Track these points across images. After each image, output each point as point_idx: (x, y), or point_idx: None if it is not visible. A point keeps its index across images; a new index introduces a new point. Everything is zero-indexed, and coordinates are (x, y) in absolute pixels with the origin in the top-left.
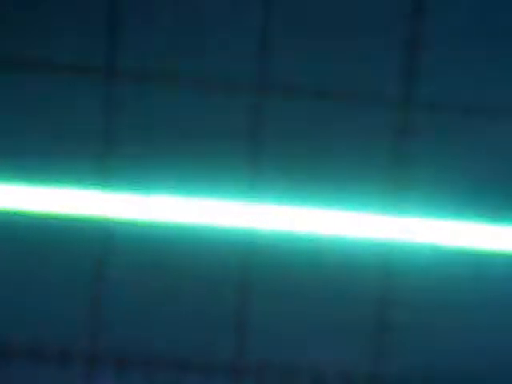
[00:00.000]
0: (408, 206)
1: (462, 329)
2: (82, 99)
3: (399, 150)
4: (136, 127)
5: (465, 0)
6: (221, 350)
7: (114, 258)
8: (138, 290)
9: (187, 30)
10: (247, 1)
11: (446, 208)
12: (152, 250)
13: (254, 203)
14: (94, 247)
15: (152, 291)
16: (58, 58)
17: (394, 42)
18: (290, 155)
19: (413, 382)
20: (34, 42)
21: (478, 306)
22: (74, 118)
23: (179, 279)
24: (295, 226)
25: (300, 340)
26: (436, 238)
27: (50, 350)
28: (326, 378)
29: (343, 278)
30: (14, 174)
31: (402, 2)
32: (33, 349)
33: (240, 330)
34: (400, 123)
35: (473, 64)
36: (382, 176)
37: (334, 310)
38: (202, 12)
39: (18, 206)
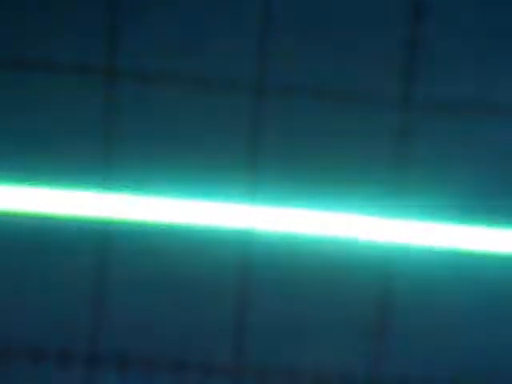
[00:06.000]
0: (407, 208)
1: (461, 330)
2: (82, 99)
3: (399, 150)
4: (136, 127)
5: (465, 0)
6: (220, 350)
7: (114, 258)
8: (137, 291)
9: (187, 30)
10: (247, 1)
11: (446, 209)
12: (152, 251)
13: (254, 204)
14: (94, 248)
15: (152, 292)
16: (58, 58)
17: (394, 42)
18: (289, 155)
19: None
20: (34, 42)
21: (478, 308)
22: (74, 118)
23: (179, 280)
24: (295, 228)
25: (300, 341)
26: (436, 240)
27: (50, 351)
28: (326, 378)
29: (343, 280)
30: (13, 174)
31: (402, 2)
32: (33, 349)
33: (239, 330)
34: (400, 123)
35: (473, 64)
36: (382, 176)
37: (333, 311)
38: (201, 12)
39: (18, 206)
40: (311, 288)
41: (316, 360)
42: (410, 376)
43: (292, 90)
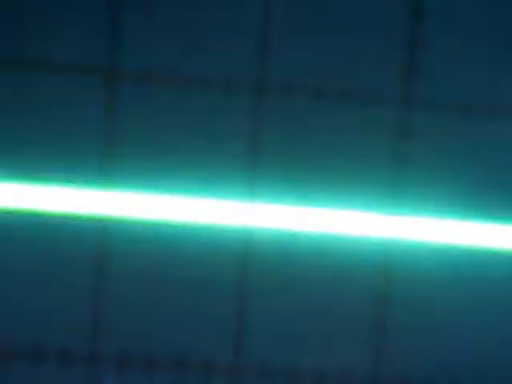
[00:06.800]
0: (407, 206)
1: (461, 329)
2: (82, 99)
3: (399, 150)
4: (136, 127)
5: (465, 0)
6: (221, 350)
7: (114, 257)
8: (137, 291)
9: (187, 30)
10: (247, 1)
11: (445, 207)
12: (151, 249)
13: (254, 203)
14: (94, 247)
15: (152, 291)
16: (58, 58)
17: (394, 42)
18: (289, 155)
19: (413, 383)
20: (34, 42)
21: (478, 306)
22: (74, 118)
23: (179, 279)
24: (294, 226)
25: (300, 340)
26: (435, 237)
27: (50, 350)
28: (326, 378)
29: (343, 279)
30: (13, 173)
31: (402, 1)
32: (33, 349)
33: (239, 330)
34: (399, 123)
35: (473, 64)
36: (382, 175)
37: (333, 310)
38: (201, 12)
39: (17, 205)
40: (311, 287)
41: (317, 359)
42: (410, 375)
43: (292, 89)
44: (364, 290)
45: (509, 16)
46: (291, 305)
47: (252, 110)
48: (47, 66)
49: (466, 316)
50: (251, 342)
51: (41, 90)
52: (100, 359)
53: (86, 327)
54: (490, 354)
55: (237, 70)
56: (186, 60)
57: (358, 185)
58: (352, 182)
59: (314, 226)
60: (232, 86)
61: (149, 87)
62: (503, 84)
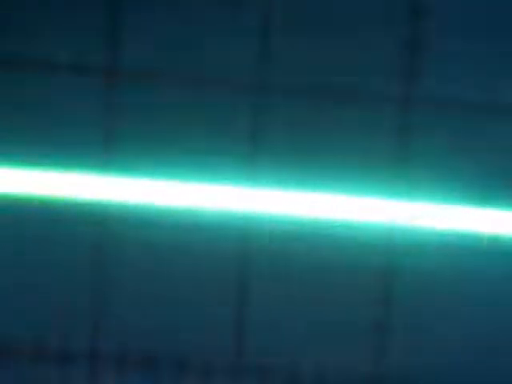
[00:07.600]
0: (409, 194)
1: (464, 328)
2: (82, 99)
3: (399, 150)
4: (136, 127)
5: (465, 0)
6: (221, 349)
7: (114, 254)
8: (137, 290)
9: (187, 30)
10: (247, 1)
11: (449, 197)
12: (153, 247)
13: (255, 190)
14: (94, 246)
15: (152, 291)
16: (58, 58)
17: (395, 41)
18: (289, 154)
19: (414, 382)
20: (34, 42)
21: (481, 304)
22: (74, 119)
23: (180, 274)
24: (295, 212)
25: (300, 340)
26: (440, 226)
27: (50, 350)
28: (326, 378)
29: (344, 276)
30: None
31: (402, 1)
32: (33, 349)
33: (239, 330)
34: (400, 123)
35: (473, 64)
36: (382, 175)
37: (334, 309)
38: (201, 12)
39: (16, 190)
40: (312, 283)
41: (316, 359)
42: (412, 375)
43: (292, 89)
44: (366, 287)
45: (509, 16)
46: (292, 304)
47: (252, 110)
48: (47, 66)
49: (469, 315)
50: (251, 342)
51: (41, 90)
52: (100, 359)
53: (85, 327)
54: (494, 355)
55: (237, 70)
56: (186, 60)
57: (360, 172)
58: (354, 170)
59: (314, 211)
60: (232, 86)
61: (149, 87)
62: (503, 84)
